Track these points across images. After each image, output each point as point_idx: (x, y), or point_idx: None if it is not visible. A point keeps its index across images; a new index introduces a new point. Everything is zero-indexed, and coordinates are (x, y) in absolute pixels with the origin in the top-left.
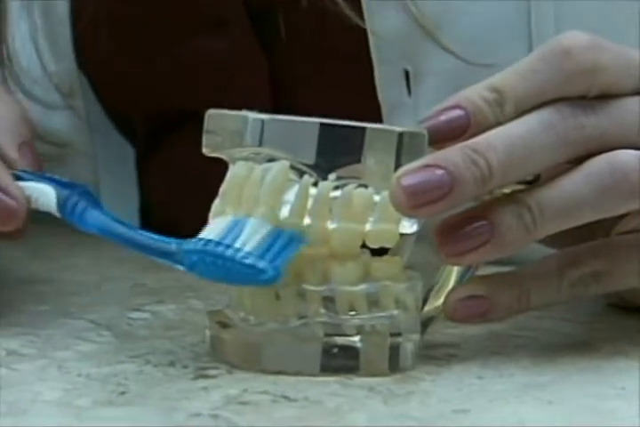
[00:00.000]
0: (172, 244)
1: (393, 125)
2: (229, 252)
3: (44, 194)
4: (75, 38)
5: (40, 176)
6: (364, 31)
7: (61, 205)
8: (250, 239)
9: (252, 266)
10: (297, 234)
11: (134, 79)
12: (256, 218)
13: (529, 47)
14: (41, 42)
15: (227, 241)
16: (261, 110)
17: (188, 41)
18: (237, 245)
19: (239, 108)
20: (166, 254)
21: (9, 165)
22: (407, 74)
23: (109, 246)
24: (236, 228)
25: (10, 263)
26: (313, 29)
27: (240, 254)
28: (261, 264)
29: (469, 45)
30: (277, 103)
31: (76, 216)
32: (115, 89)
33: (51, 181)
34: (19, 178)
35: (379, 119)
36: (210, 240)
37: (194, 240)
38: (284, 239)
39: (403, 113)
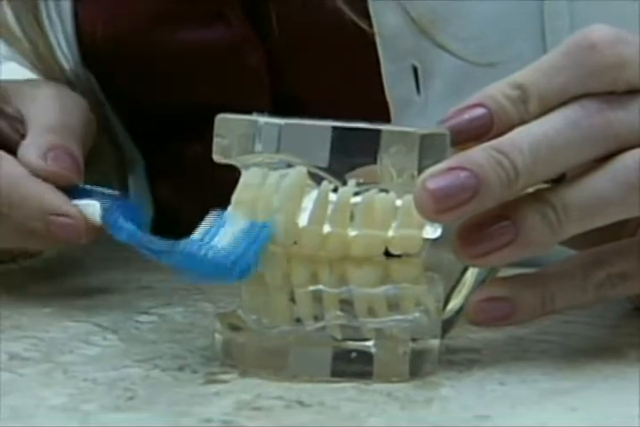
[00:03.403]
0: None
1: (402, 123)
2: (201, 250)
3: (92, 208)
4: (78, 37)
5: (89, 191)
6: (369, 27)
7: (103, 217)
8: (225, 235)
9: (219, 263)
10: (266, 226)
11: (133, 75)
12: (233, 212)
13: (542, 44)
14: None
15: (206, 238)
16: (266, 110)
17: (184, 33)
18: (213, 241)
19: (238, 98)
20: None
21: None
22: (416, 71)
23: (116, 248)
24: (218, 224)
25: (11, 266)
26: (308, 23)
27: (209, 252)
28: (228, 261)
29: (476, 44)
30: (277, 97)
31: (113, 227)
32: (117, 87)
33: (97, 194)
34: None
35: (387, 116)
36: (189, 239)
37: (182, 241)
38: (255, 232)
39: (412, 110)
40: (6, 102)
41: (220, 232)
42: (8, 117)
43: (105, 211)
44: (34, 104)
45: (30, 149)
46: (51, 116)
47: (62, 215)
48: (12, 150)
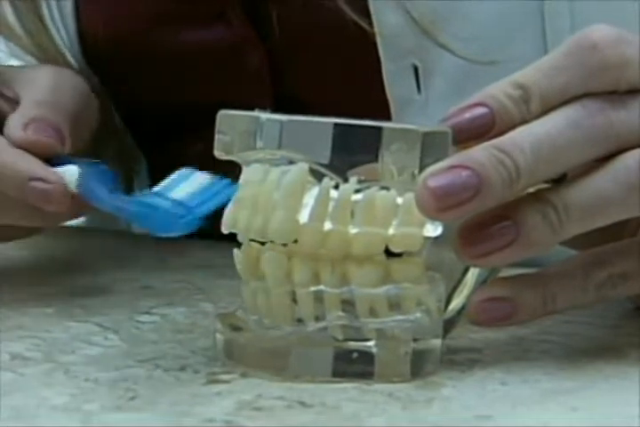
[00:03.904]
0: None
1: (403, 122)
2: (154, 200)
3: (70, 174)
4: (80, 37)
5: (70, 160)
6: (370, 26)
7: (79, 182)
8: (183, 189)
9: (171, 212)
10: (230, 183)
11: (134, 75)
12: (198, 172)
13: (543, 44)
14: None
15: (164, 192)
16: (267, 106)
17: (185, 33)
18: (169, 194)
19: (239, 98)
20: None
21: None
22: (416, 70)
23: (117, 247)
24: (179, 180)
25: (14, 265)
26: (309, 23)
27: (163, 202)
28: (179, 210)
29: (477, 44)
30: (278, 97)
31: (87, 192)
32: (117, 86)
33: (78, 163)
34: (52, 163)
35: (387, 115)
36: (148, 191)
37: (141, 192)
38: (217, 188)
39: (412, 109)
40: (7, 86)
41: (181, 186)
42: (8, 100)
43: (82, 176)
44: (30, 85)
45: (13, 121)
46: (41, 92)
47: (39, 180)
48: None
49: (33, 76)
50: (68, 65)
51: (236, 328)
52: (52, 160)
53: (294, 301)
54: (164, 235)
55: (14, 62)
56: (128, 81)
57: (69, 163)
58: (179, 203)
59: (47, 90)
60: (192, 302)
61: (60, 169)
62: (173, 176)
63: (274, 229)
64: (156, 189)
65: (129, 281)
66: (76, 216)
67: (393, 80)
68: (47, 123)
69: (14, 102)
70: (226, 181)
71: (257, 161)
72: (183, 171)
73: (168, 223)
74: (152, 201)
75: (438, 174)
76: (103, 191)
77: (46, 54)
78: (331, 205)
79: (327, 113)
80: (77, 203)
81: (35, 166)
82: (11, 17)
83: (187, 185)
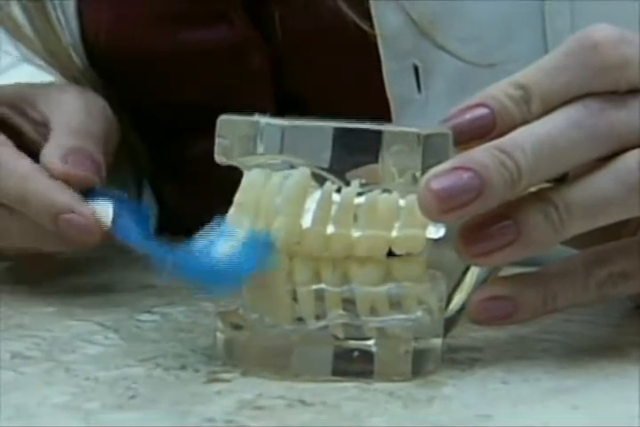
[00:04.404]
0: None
1: (403, 122)
2: (199, 258)
3: (104, 209)
4: (83, 37)
5: (105, 194)
6: (370, 27)
7: (113, 218)
8: (225, 244)
9: (215, 272)
10: (267, 236)
11: (136, 75)
12: (235, 218)
13: (543, 44)
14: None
15: (205, 247)
16: (268, 111)
17: (187, 33)
18: (212, 250)
19: (240, 99)
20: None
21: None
22: (417, 70)
23: (117, 246)
24: (219, 232)
25: (14, 264)
26: (310, 24)
27: (207, 260)
28: (222, 270)
29: (477, 44)
30: (279, 97)
31: (121, 230)
32: (119, 87)
33: (110, 196)
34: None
35: (388, 115)
36: (189, 247)
37: (183, 248)
38: (254, 242)
39: (413, 109)
40: (32, 107)
41: (221, 241)
42: (33, 122)
43: (116, 213)
44: (59, 108)
45: (51, 151)
46: (74, 119)
47: (73, 213)
48: (37, 154)
49: (60, 97)
50: (76, 67)
51: (237, 327)
52: (88, 193)
53: (295, 299)
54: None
55: (26, 67)
56: (129, 81)
57: (101, 194)
58: (222, 261)
59: (79, 116)
60: (192, 300)
61: (94, 203)
62: (210, 229)
63: (277, 235)
64: (195, 244)
65: (129, 280)
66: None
67: (393, 80)
68: (85, 155)
69: (41, 124)
70: (261, 236)
71: (257, 166)
72: (218, 220)
73: (212, 281)
74: (195, 258)
75: (441, 176)
76: (137, 235)
77: (55, 57)
78: (333, 208)
79: (328, 113)
80: (108, 235)
81: (70, 199)
82: (20, 17)
83: (225, 242)
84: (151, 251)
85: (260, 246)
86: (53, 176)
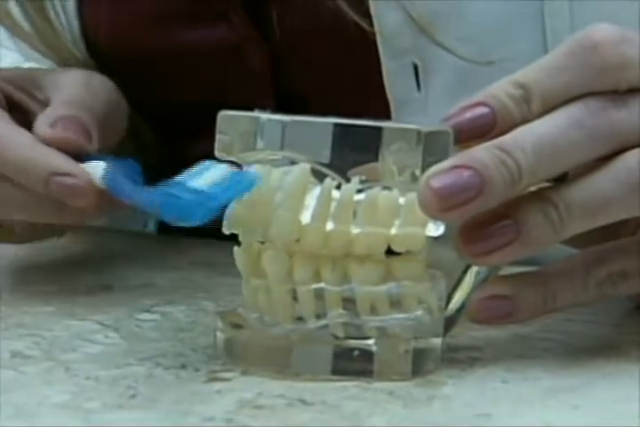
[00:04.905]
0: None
1: (402, 120)
2: (176, 189)
3: (96, 169)
4: (83, 36)
5: (100, 158)
6: (370, 26)
7: (104, 176)
8: (205, 179)
9: (192, 200)
10: (251, 174)
11: (135, 74)
12: (221, 164)
13: (543, 43)
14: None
15: (185, 181)
16: (268, 106)
17: (186, 33)
18: (191, 184)
19: (240, 98)
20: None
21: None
22: (416, 68)
23: (118, 246)
24: (200, 171)
25: (14, 263)
26: (309, 23)
27: (185, 191)
28: (201, 198)
29: (476, 43)
30: (279, 97)
31: (111, 185)
32: (119, 86)
33: (106, 159)
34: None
35: (387, 113)
36: (170, 181)
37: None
38: (238, 178)
39: (412, 107)
40: (38, 88)
41: (203, 176)
42: (39, 102)
43: (106, 170)
44: (60, 85)
45: (42, 119)
46: (71, 93)
47: (65, 175)
48: None
49: (62, 78)
50: (80, 66)
51: (237, 326)
52: (82, 158)
53: (295, 298)
54: (185, 224)
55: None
56: (129, 81)
57: (98, 160)
58: (200, 192)
59: (76, 91)
60: (193, 300)
61: (86, 164)
62: (195, 167)
63: (276, 231)
64: (177, 178)
65: (130, 279)
66: (103, 214)
67: (393, 78)
68: (74, 120)
69: (45, 105)
70: (247, 171)
71: (257, 162)
72: (205, 162)
73: (189, 212)
74: (174, 191)
75: (441, 174)
76: (128, 184)
77: (59, 55)
78: (333, 205)
79: (327, 112)
80: (104, 199)
81: (60, 161)
82: (19, 17)
83: (208, 175)
84: (142, 201)
85: (243, 178)
86: (43, 142)
